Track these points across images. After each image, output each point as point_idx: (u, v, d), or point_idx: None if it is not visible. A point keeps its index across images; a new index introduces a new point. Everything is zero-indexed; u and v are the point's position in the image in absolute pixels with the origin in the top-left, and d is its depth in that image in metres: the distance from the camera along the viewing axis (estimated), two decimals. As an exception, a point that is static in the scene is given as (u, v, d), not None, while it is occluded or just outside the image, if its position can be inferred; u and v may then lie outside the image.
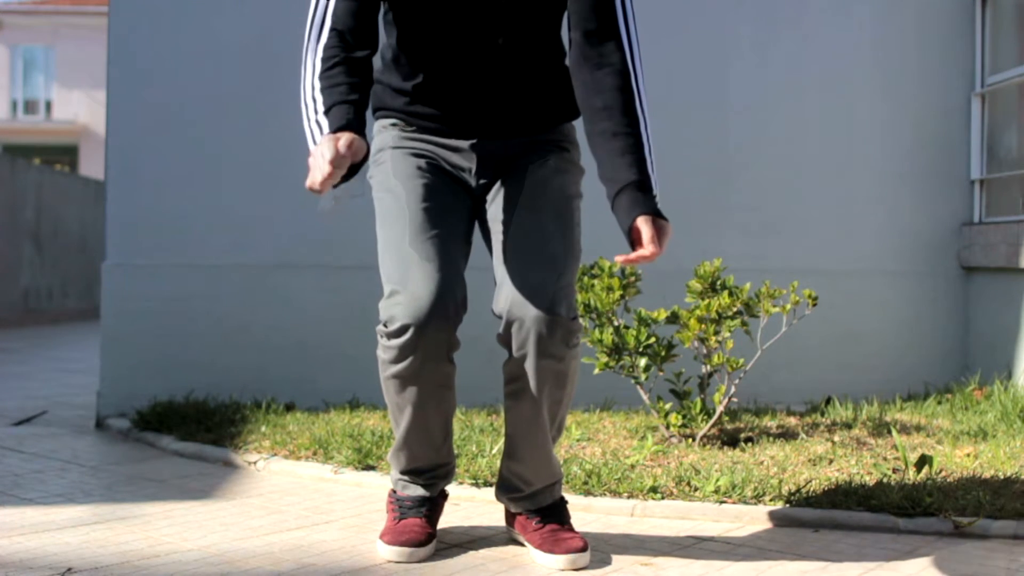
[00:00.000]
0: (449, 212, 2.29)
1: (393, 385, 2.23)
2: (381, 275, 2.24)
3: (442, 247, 2.21)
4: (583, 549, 2.26)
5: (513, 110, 2.32)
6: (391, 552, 2.29)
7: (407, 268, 2.17)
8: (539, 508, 2.35)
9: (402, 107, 2.35)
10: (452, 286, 2.17)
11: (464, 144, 2.33)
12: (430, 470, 2.40)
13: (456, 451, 3.22)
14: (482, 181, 2.34)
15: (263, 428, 3.75)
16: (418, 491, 2.40)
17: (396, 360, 2.18)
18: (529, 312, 2.15)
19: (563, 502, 2.39)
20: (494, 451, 3.23)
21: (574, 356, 2.22)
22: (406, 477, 2.41)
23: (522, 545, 2.40)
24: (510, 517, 2.44)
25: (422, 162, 2.32)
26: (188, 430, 3.80)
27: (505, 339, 2.21)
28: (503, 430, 3.56)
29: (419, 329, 2.13)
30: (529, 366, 2.18)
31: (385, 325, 2.18)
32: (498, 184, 2.34)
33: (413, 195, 2.26)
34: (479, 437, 3.47)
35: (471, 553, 2.37)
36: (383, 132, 2.39)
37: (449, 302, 2.15)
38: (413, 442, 2.33)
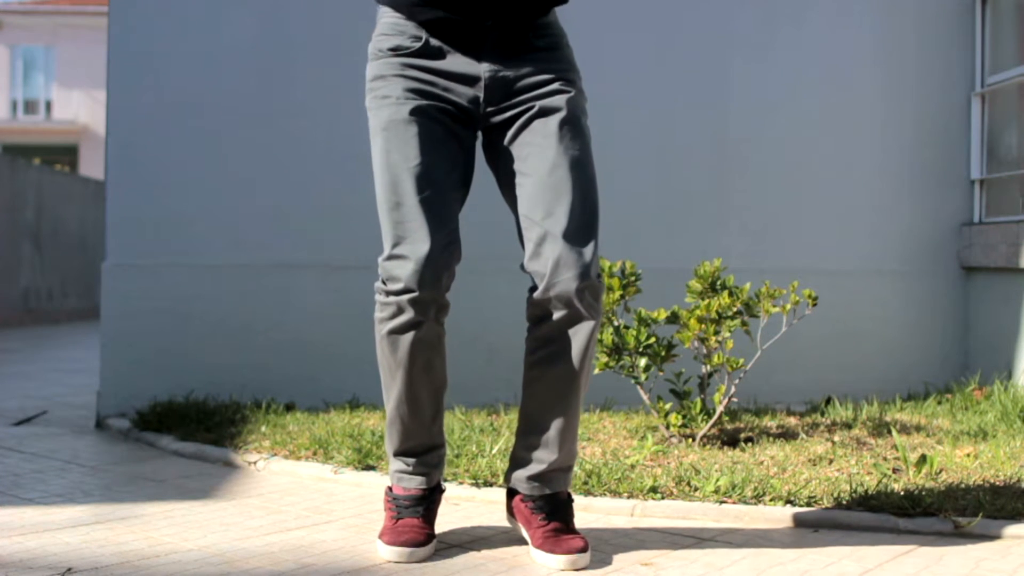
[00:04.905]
0: (448, 159, 2.28)
1: (388, 344, 2.30)
2: (381, 226, 2.27)
3: (441, 202, 2.24)
4: (583, 549, 2.26)
5: None
6: (391, 552, 2.29)
7: (407, 227, 2.22)
8: (549, 496, 2.34)
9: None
10: (449, 245, 2.24)
11: (470, 70, 2.26)
12: (423, 452, 2.41)
13: (456, 451, 3.22)
14: (489, 109, 2.30)
15: (263, 428, 3.75)
16: (413, 482, 2.39)
17: (393, 316, 2.26)
18: (574, 274, 2.21)
19: (570, 500, 2.39)
20: (494, 451, 3.23)
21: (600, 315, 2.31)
22: (401, 463, 2.41)
23: (522, 543, 2.40)
24: (511, 502, 2.43)
25: (424, 103, 2.26)
26: (188, 430, 3.80)
27: (542, 301, 2.25)
28: (503, 427, 3.57)
29: (419, 288, 2.21)
30: (574, 328, 2.26)
31: (384, 283, 2.27)
32: (515, 128, 2.29)
33: (412, 143, 2.24)
34: (479, 437, 3.47)
35: (471, 553, 2.37)
36: (381, 58, 2.31)
37: (444, 263, 2.22)
38: (404, 413, 2.35)
